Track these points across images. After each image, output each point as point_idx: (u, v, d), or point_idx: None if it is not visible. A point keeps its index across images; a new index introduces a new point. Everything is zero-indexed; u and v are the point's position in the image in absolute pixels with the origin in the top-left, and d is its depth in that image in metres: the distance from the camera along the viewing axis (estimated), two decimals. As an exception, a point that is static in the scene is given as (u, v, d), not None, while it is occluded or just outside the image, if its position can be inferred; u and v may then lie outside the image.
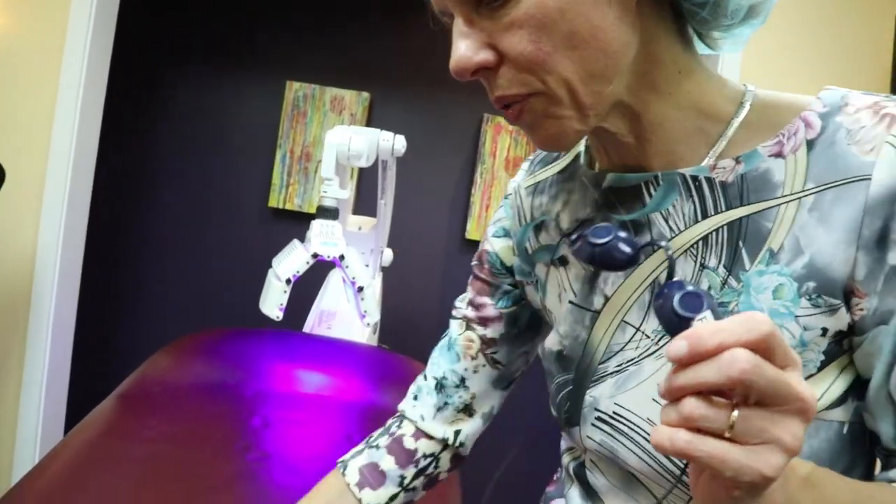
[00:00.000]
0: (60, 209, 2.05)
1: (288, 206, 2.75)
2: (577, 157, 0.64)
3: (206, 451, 1.18)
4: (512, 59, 0.47)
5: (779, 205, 0.49)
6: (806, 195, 0.48)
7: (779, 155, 0.49)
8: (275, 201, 2.77)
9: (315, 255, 1.29)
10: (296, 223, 2.81)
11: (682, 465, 0.51)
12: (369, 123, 2.81)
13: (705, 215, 0.52)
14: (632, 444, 0.54)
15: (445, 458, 0.73)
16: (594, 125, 0.51)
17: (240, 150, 2.84)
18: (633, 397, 0.54)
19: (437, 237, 2.82)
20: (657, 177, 0.54)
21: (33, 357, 2.09)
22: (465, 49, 0.48)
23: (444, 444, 0.72)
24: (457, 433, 0.72)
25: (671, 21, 0.51)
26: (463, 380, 0.71)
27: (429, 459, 0.71)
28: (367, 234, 2.03)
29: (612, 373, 0.57)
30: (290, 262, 1.29)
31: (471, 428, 0.72)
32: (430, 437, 0.72)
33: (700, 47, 0.55)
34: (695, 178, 0.52)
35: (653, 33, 0.50)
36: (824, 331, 0.48)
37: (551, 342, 0.64)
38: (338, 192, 1.42)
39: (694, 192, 0.52)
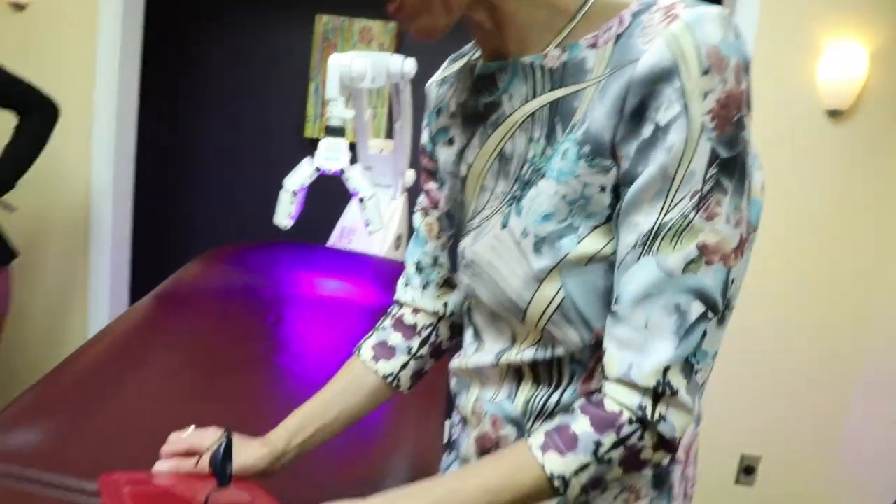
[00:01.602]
0: (109, 139, 2.25)
1: (322, 136, 2.88)
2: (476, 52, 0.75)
3: (225, 340, 1.35)
4: None
5: (586, 87, 0.58)
6: (602, 79, 0.57)
7: (594, 46, 0.58)
8: (310, 131, 2.91)
9: (318, 169, 1.41)
10: (331, 152, 2.94)
11: (526, 301, 0.62)
12: (398, 52, 2.88)
13: (535, 95, 0.62)
14: (482, 285, 0.66)
15: (444, 328, 0.84)
16: (457, 17, 0.61)
17: (276, 84, 2.97)
18: (482, 246, 0.66)
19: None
20: (507, 65, 0.63)
21: (97, 267, 2.34)
22: None
23: (438, 315, 0.83)
24: (445, 304, 0.82)
25: None
26: (435, 259, 0.82)
27: (429, 329, 0.83)
28: (388, 156, 2.14)
29: (475, 228, 0.69)
30: (297, 175, 1.42)
31: (456, 298, 0.83)
32: (425, 312, 0.83)
33: None
34: (531, 64, 0.62)
35: None
36: (602, 188, 0.58)
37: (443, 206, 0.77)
38: (343, 111, 1.53)
39: (529, 77, 0.62)
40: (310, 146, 2.97)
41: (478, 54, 0.73)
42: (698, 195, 0.54)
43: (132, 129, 2.39)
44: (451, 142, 0.74)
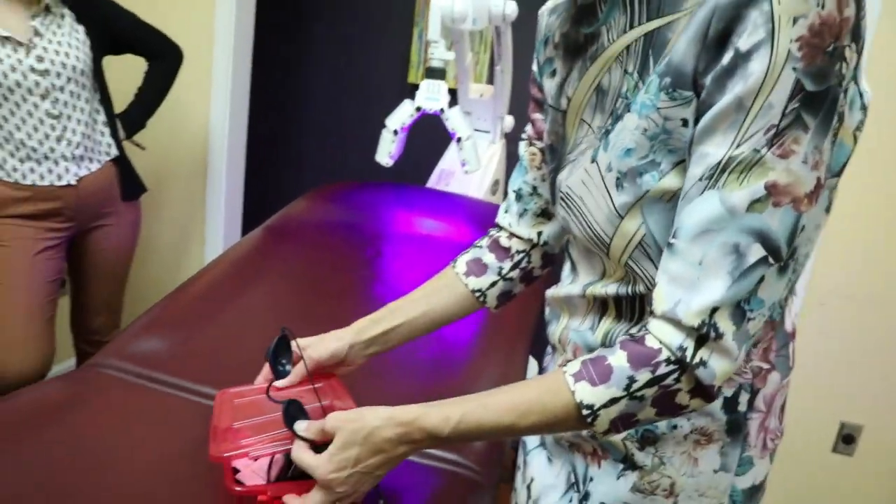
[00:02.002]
0: (226, 85, 2.38)
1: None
2: None
3: (327, 269, 1.43)
4: None
5: (680, 17, 0.56)
6: (695, 7, 0.54)
7: None
8: (413, 77, 2.95)
9: (418, 108, 1.45)
10: (433, 98, 2.98)
11: (609, 236, 0.63)
12: None
13: (632, 26, 0.61)
14: (574, 218, 0.67)
15: (536, 256, 0.86)
16: None
17: (380, 29, 3.01)
18: (575, 180, 0.66)
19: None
20: (607, 2, 0.63)
21: (214, 202, 2.52)
22: None
23: (532, 243, 0.85)
24: (539, 234, 0.84)
25: None
26: (534, 188, 0.84)
27: (521, 255, 0.85)
28: (488, 101, 2.14)
29: (571, 161, 0.69)
30: (398, 114, 1.47)
31: (551, 229, 0.84)
32: (520, 238, 0.85)
33: None
34: (630, 2, 0.61)
35: None
36: (684, 121, 0.56)
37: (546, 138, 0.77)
38: (444, 53, 1.55)
39: (627, 7, 0.61)
40: (412, 91, 3.02)
41: None
42: (774, 130, 0.51)
43: (247, 74, 2.51)
44: (553, 73, 0.74)
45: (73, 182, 1.75)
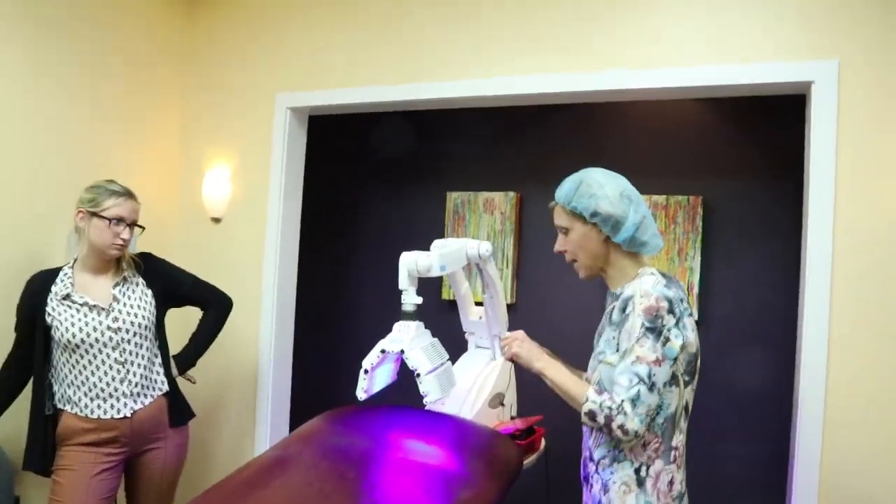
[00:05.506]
0: (271, 314, 2.80)
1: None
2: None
3: (323, 480, 1.64)
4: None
5: (615, 304, 1.58)
6: (617, 301, 1.56)
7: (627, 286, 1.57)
8: (446, 294, 3.29)
9: (383, 350, 1.72)
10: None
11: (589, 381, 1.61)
12: (520, 219, 3.21)
13: (615, 301, 1.58)
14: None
15: None
16: (593, 271, 1.66)
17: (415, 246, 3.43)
18: (595, 373, 1.63)
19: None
20: (609, 292, 1.66)
21: (262, 417, 2.83)
22: (558, 245, 1.68)
23: None
24: None
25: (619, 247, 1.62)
26: None
27: None
28: (485, 322, 2.40)
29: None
30: (369, 356, 1.75)
31: None
32: None
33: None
34: (615, 294, 1.60)
35: (610, 249, 1.62)
36: (615, 338, 1.55)
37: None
38: (413, 298, 1.84)
39: (612, 296, 1.63)
40: (448, 308, 3.34)
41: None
42: (637, 339, 1.45)
43: (292, 307, 2.93)
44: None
45: (128, 415, 2.12)
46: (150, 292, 2.21)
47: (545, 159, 3.21)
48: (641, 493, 1.51)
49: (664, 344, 1.44)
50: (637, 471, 1.52)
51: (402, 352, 1.72)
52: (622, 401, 1.43)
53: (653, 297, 1.45)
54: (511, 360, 1.73)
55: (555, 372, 1.61)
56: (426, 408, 2.16)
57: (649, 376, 1.42)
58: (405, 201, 3.50)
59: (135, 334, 2.13)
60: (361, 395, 1.76)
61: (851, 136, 2.01)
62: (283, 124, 2.86)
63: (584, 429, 1.68)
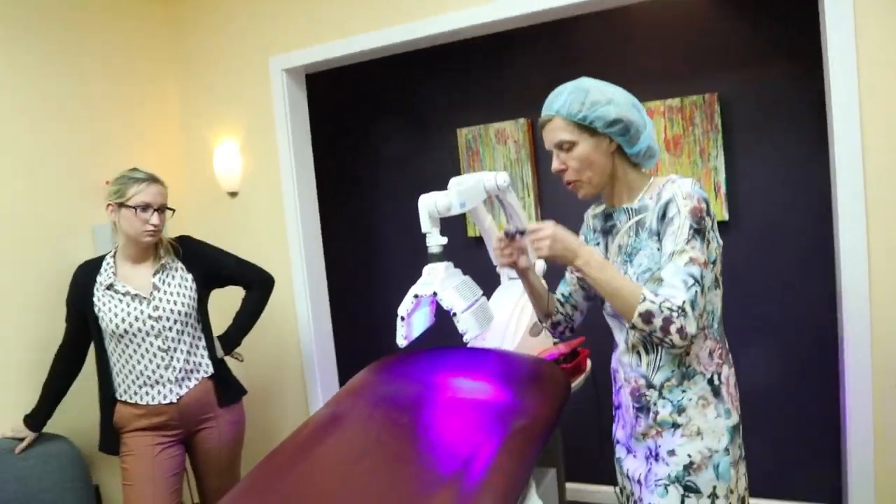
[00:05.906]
0: (303, 278, 2.82)
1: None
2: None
3: (378, 427, 1.68)
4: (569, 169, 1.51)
5: (648, 213, 1.48)
6: (654, 209, 1.46)
7: (651, 198, 1.49)
8: (472, 231, 3.27)
9: (416, 296, 1.72)
10: (492, 245, 3.28)
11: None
12: (534, 144, 3.15)
13: (628, 219, 1.52)
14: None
15: (567, 324, 1.79)
16: (599, 189, 1.54)
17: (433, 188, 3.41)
18: None
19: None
20: (616, 209, 1.56)
21: (311, 384, 2.89)
22: (556, 163, 1.52)
23: (569, 316, 1.77)
24: (572, 317, 1.78)
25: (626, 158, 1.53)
26: (570, 294, 1.77)
27: (562, 317, 1.77)
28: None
29: None
30: (403, 303, 1.75)
31: (579, 316, 1.78)
32: (563, 313, 1.78)
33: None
34: (626, 209, 1.53)
35: (617, 163, 1.51)
36: (659, 248, 1.44)
37: None
38: (438, 239, 1.83)
39: (625, 213, 1.54)
40: (476, 244, 3.33)
41: (603, 205, 1.63)
42: (685, 240, 1.37)
43: (322, 270, 2.95)
44: (598, 244, 1.64)
45: (174, 400, 2.16)
46: (189, 276, 2.22)
47: (550, 79, 3.11)
48: (720, 403, 1.45)
49: (707, 246, 1.38)
50: (710, 381, 1.45)
51: (435, 294, 1.72)
52: (683, 301, 1.32)
53: (695, 198, 1.38)
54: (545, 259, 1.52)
55: (599, 268, 1.40)
56: (467, 346, 2.18)
57: (702, 277, 1.35)
58: (418, 146, 3.46)
59: (175, 321, 2.16)
60: (402, 342, 1.77)
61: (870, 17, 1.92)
62: (282, 88, 2.82)
63: (624, 359, 1.56)
